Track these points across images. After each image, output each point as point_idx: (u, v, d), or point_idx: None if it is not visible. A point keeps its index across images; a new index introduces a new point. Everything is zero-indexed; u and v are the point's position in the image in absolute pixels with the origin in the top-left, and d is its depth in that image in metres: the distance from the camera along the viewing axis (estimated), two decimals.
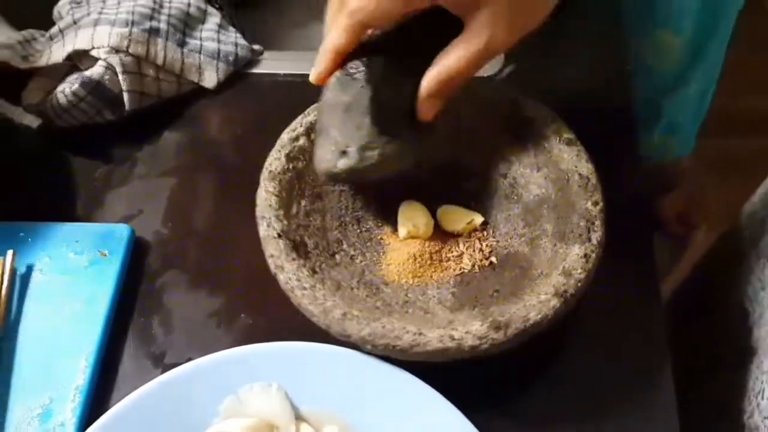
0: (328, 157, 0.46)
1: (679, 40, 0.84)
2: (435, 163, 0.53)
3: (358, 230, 0.52)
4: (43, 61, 0.59)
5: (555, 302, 0.43)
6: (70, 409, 0.47)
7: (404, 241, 0.51)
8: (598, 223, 0.46)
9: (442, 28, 0.43)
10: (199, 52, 0.61)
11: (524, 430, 0.46)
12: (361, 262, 0.50)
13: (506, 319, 0.43)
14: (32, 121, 0.61)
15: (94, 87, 0.57)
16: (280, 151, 0.51)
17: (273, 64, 0.64)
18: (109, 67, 0.57)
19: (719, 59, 0.87)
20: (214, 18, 0.64)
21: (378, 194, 0.53)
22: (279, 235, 0.47)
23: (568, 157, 0.48)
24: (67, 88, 0.57)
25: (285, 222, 0.48)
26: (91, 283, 0.51)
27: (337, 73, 0.45)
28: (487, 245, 0.50)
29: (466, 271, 0.49)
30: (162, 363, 0.49)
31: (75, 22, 0.60)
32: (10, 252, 0.52)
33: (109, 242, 0.53)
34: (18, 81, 0.60)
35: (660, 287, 0.50)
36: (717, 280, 0.65)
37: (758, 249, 0.56)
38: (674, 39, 0.84)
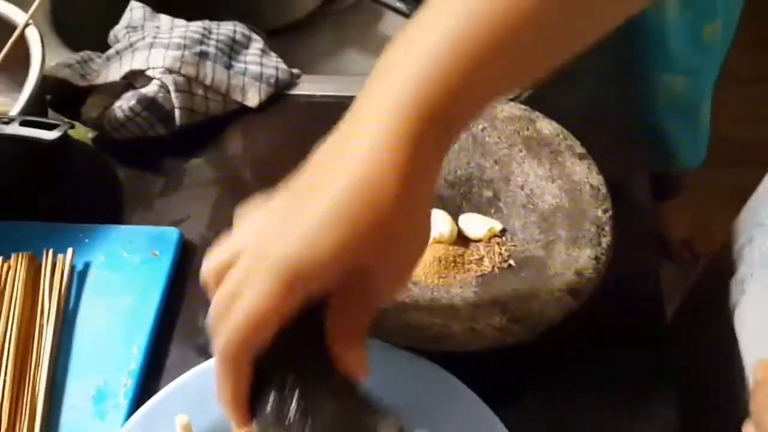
0: None
1: (684, 80, 0.90)
2: (458, 175, 0.58)
3: None
4: (101, 80, 0.65)
5: (568, 299, 0.47)
6: (122, 393, 0.51)
7: (430, 245, 0.55)
8: (607, 228, 0.50)
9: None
10: (244, 74, 0.67)
11: (537, 420, 0.49)
12: None
13: (523, 313, 0.47)
14: (87, 134, 0.67)
15: (149, 103, 0.62)
16: None
17: (309, 86, 0.70)
18: (163, 86, 0.63)
19: (716, 74, 0.92)
20: (257, 44, 0.70)
21: None
22: None
23: (580, 170, 0.53)
24: (125, 104, 0.62)
25: None
26: (143, 279, 0.56)
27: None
28: (505, 249, 0.55)
29: (486, 272, 0.54)
30: (206, 353, 0.54)
31: (131, 45, 0.66)
32: (69, 250, 0.57)
33: (159, 243, 0.58)
34: (76, 98, 0.66)
35: (663, 298, 0.54)
36: (705, 302, 0.66)
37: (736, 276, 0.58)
38: (682, 80, 0.90)
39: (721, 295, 0.59)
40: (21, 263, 0.55)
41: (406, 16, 0.71)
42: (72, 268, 0.57)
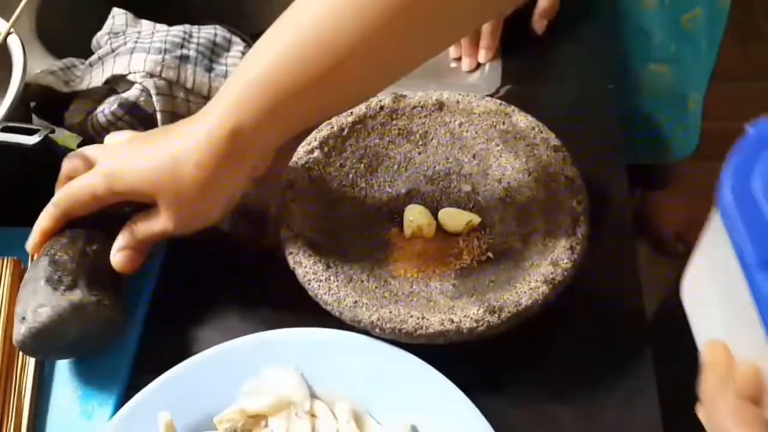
0: (16, 331, 0.49)
1: (669, 69, 0.90)
2: (436, 171, 0.59)
3: (368, 231, 0.57)
4: (83, 86, 0.66)
5: (544, 288, 0.48)
6: (107, 392, 0.52)
7: (409, 240, 0.56)
8: (582, 218, 0.51)
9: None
10: (225, 77, 0.68)
11: (518, 408, 0.50)
12: (370, 259, 0.56)
13: (500, 304, 0.48)
14: (72, 139, 0.67)
15: (130, 107, 0.63)
16: (296, 162, 0.57)
17: None
18: (144, 90, 0.63)
19: (708, 70, 0.93)
20: (238, 46, 0.71)
21: (385, 199, 0.59)
22: (297, 236, 0.53)
23: (555, 162, 0.54)
24: (107, 108, 0.63)
25: (302, 224, 0.54)
26: (133, 280, 0.57)
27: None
28: (484, 242, 0.55)
29: (465, 265, 0.55)
30: (191, 352, 0.54)
31: (113, 51, 0.67)
32: None
33: None
34: (60, 104, 0.67)
35: (641, 285, 0.55)
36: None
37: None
38: (666, 68, 0.90)
39: None
40: (6, 268, 0.56)
41: None
42: None
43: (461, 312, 0.48)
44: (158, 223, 0.51)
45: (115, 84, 0.65)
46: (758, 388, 0.34)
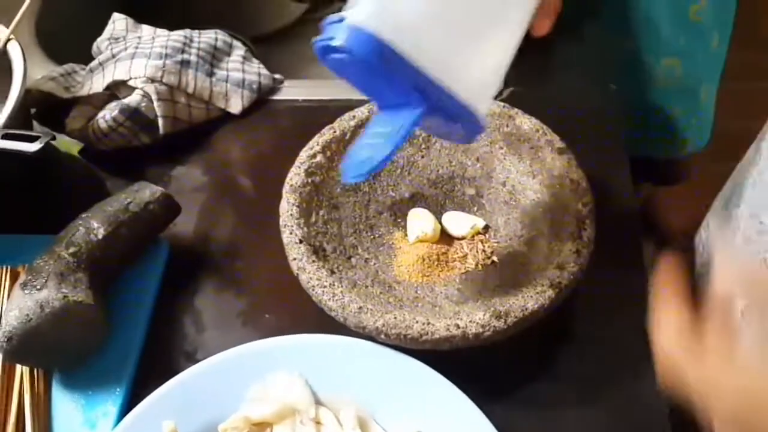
0: None
1: (680, 62, 0.90)
2: (440, 174, 0.58)
3: (372, 236, 0.57)
4: (84, 91, 0.65)
5: (550, 293, 0.47)
6: (111, 401, 0.51)
7: (413, 244, 0.56)
8: (588, 222, 0.50)
9: None
10: (226, 81, 0.67)
11: (525, 414, 0.49)
12: (374, 264, 0.55)
13: (506, 308, 0.47)
14: (74, 146, 0.67)
15: (131, 113, 0.63)
16: (299, 167, 0.57)
17: (292, 91, 0.70)
18: (145, 95, 0.63)
19: (720, 63, 0.92)
20: (239, 51, 0.71)
21: (388, 204, 0.58)
22: (300, 241, 0.52)
23: (560, 165, 0.53)
24: (108, 114, 0.63)
25: (305, 229, 0.53)
26: (132, 288, 0.57)
27: None
28: (489, 246, 0.55)
29: (470, 269, 0.54)
30: (194, 359, 0.54)
31: (114, 56, 0.66)
32: None
33: (148, 252, 0.58)
34: (61, 110, 0.66)
35: (648, 287, 0.54)
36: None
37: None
38: (677, 62, 0.90)
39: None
40: (5, 276, 0.56)
41: None
42: None
43: (467, 317, 0.47)
44: None
45: (116, 89, 0.65)
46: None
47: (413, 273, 0.54)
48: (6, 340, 0.48)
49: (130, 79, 0.64)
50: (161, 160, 0.66)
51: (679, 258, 0.40)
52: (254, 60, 0.71)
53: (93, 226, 0.54)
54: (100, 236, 0.53)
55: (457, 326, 0.47)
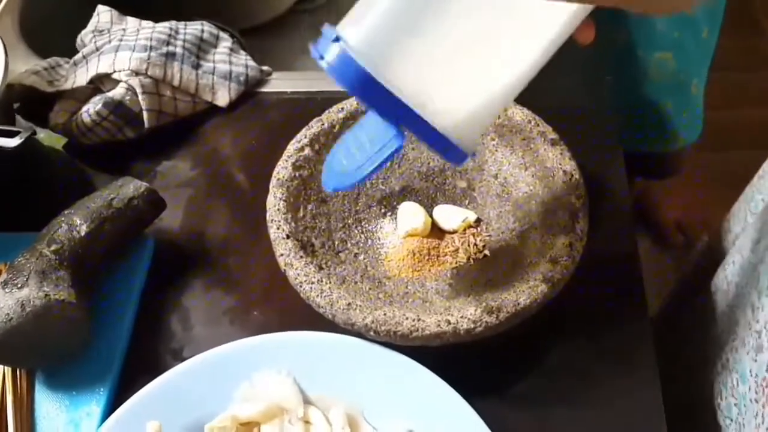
0: None
1: (672, 56, 0.89)
2: (430, 167, 0.57)
3: (361, 230, 0.56)
4: (68, 85, 0.64)
5: (543, 287, 0.46)
6: (95, 401, 0.50)
7: (404, 239, 0.55)
8: (581, 215, 0.49)
9: None
10: (213, 74, 0.66)
11: (517, 411, 0.48)
12: (364, 259, 0.54)
13: (498, 304, 0.46)
14: (58, 140, 0.66)
15: (116, 107, 0.61)
16: (287, 160, 0.55)
17: (280, 83, 0.69)
18: (130, 89, 0.62)
19: (709, 55, 0.92)
20: (226, 42, 0.69)
21: (378, 197, 0.57)
22: (288, 236, 0.51)
23: (553, 156, 0.52)
24: (91, 108, 0.61)
25: (293, 224, 0.52)
26: (117, 285, 0.55)
27: None
28: (480, 240, 0.54)
29: (461, 264, 0.53)
30: (181, 357, 0.53)
31: (97, 49, 0.65)
32: None
33: (133, 249, 0.57)
34: (45, 104, 0.65)
35: (643, 281, 0.53)
36: (695, 293, 0.65)
37: (725, 271, 0.57)
38: (670, 55, 0.90)
39: (707, 283, 0.59)
40: None
41: None
42: None
43: (458, 313, 0.46)
44: None
45: (100, 83, 0.64)
46: None
47: (403, 268, 0.53)
48: None
49: (114, 72, 0.63)
50: (147, 154, 0.65)
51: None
52: (241, 52, 0.69)
53: (75, 222, 0.53)
54: (82, 233, 0.52)
55: (448, 322, 0.46)
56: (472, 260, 0.53)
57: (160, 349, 0.54)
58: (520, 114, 0.55)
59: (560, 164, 0.52)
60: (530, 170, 0.54)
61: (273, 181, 0.54)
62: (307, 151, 0.56)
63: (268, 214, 0.53)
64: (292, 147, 0.56)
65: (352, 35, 0.36)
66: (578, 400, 0.49)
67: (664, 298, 0.83)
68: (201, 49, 0.67)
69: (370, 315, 0.47)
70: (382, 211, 0.57)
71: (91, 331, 0.52)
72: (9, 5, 0.63)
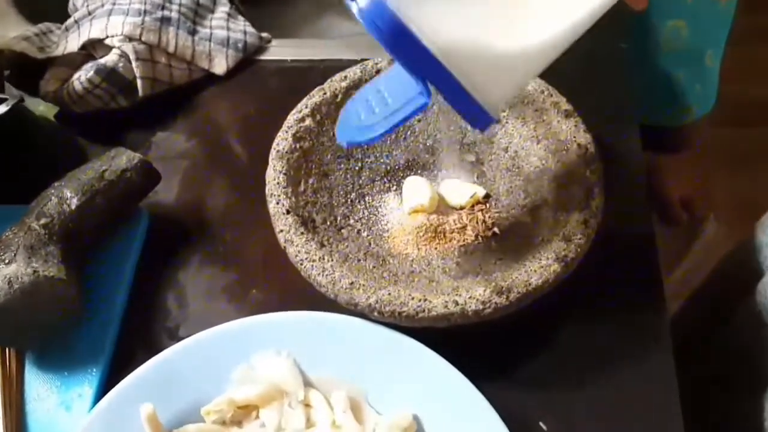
0: None
1: (686, 25, 0.87)
2: (437, 139, 0.55)
3: (364, 206, 0.54)
4: (59, 51, 0.61)
5: (556, 267, 0.44)
6: (87, 381, 0.49)
7: (409, 215, 0.52)
8: (597, 190, 0.47)
9: None
10: (209, 40, 0.63)
11: (526, 395, 0.47)
12: (367, 236, 0.52)
13: (509, 284, 0.44)
14: (50, 110, 0.63)
15: (108, 74, 0.59)
16: (287, 131, 0.53)
17: (280, 50, 0.66)
18: (123, 55, 0.59)
19: (726, 26, 0.89)
20: (224, 7, 0.66)
21: (382, 171, 0.55)
22: (288, 212, 0.49)
23: (567, 128, 0.50)
24: (83, 75, 0.59)
25: (293, 199, 0.50)
26: (111, 261, 0.53)
27: None
28: (489, 217, 0.51)
29: (469, 241, 0.51)
30: (176, 336, 0.51)
31: (90, 13, 0.62)
32: None
33: (126, 222, 0.55)
34: (35, 71, 0.62)
35: (660, 265, 0.51)
36: (734, 292, 0.62)
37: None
38: (683, 23, 0.87)
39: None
40: None
41: None
42: None
43: (466, 293, 0.44)
44: None
45: (92, 49, 0.61)
46: None
47: (409, 245, 0.51)
48: None
49: (107, 37, 0.60)
50: (141, 124, 0.62)
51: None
52: (240, 17, 0.67)
53: (66, 195, 0.50)
54: (73, 206, 0.50)
55: (456, 303, 0.44)
56: (480, 238, 0.51)
57: (154, 329, 0.52)
58: (533, 84, 0.52)
59: (574, 137, 0.49)
60: (542, 143, 0.51)
61: (272, 153, 0.52)
62: (308, 121, 0.54)
63: (267, 188, 0.51)
64: (292, 117, 0.54)
65: None
66: (590, 383, 0.47)
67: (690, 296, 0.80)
68: (197, 13, 0.64)
69: (374, 295, 0.45)
70: (387, 185, 0.54)
71: (82, 310, 0.50)
72: None
